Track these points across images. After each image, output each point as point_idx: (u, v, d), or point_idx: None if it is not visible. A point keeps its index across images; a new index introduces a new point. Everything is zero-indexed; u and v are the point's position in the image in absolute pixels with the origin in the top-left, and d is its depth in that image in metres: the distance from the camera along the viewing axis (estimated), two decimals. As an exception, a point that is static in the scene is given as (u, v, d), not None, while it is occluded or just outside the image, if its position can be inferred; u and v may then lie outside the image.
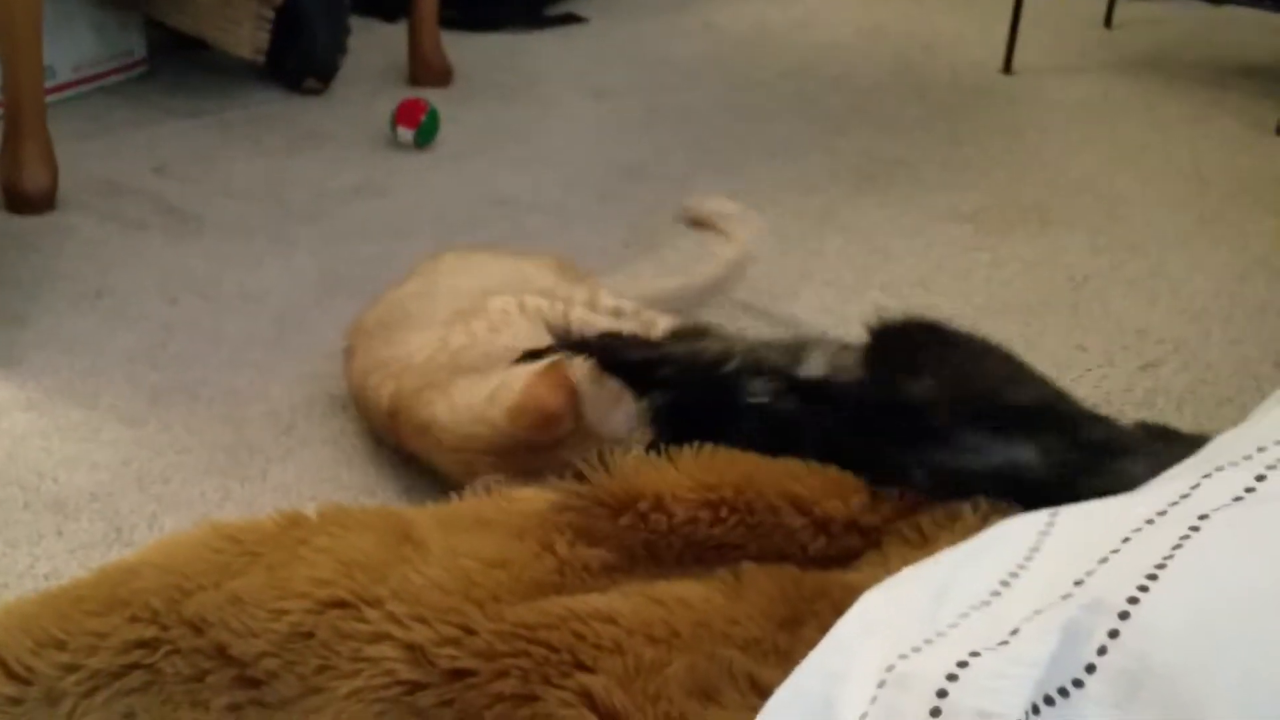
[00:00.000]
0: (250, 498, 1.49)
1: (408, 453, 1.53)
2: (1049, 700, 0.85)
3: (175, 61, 2.96)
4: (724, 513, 1.26)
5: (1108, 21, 3.44)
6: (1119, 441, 1.33)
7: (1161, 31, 3.41)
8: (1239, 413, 1.63)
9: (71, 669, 1.12)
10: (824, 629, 1.05)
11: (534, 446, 1.40)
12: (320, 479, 1.52)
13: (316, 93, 2.80)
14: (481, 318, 1.54)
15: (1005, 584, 1.00)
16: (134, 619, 1.15)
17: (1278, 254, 2.12)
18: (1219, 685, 0.80)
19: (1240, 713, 0.78)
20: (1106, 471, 1.27)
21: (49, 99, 2.25)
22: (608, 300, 1.66)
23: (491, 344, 1.51)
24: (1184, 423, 1.63)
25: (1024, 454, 1.30)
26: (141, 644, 1.14)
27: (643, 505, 1.26)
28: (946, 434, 1.32)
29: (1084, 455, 1.29)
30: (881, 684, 0.94)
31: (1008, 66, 3.05)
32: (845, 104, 2.86)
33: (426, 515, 1.28)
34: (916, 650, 0.95)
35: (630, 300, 1.68)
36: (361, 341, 1.61)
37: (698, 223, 1.90)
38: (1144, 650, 0.84)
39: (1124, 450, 1.30)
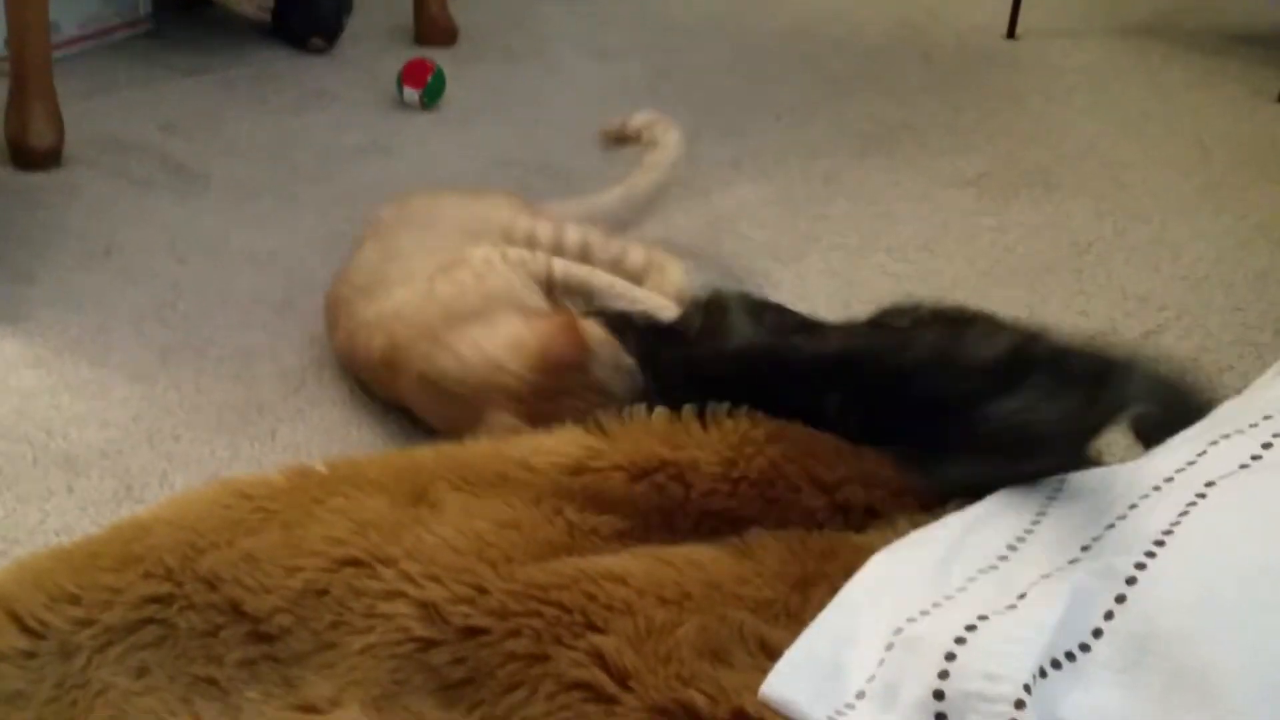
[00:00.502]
0: (259, 456, 1.50)
1: (401, 406, 1.55)
2: (1056, 664, 0.86)
3: (180, 19, 2.95)
4: (744, 487, 1.27)
5: (1112, -14, 3.44)
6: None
7: (1165, -3, 3.41)
8: (1240, 380, 1.65)
9: (86, 623, 1.14)
10: (834, 590, 1.07)
11: (545, 393, 1.42)
12: (330, 439, 1.53)
13: (322, 51, 2.79)
14: (465, 268, 1.55)
15: (1013, 547, 1.02)
16: (148, 575, 1.17)
17: (1277, 221, 2.13)
18: (1225, 652, 0.82)
19: (1246, 679, 0.80)
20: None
21: (54, 55, 2.25)
22: (573, 236, 1.67)
23: (482, 291, 1.52)
24: (1186, 390, 1.64)
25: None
26: (156, 599, 1.15)
27: (659, 477, 1.27)
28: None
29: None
30: (890, 647, 0.96)
31: (1011, 31, 3.05)
32: (849, 67, 2.86)
33: (444, 468, 1.29)
34: (925, 613, 0.97)
35: (591, 230, 1.71)
36: (341, 310, 1.62)
37: (619, 139, 1.92)
38: (1151, 616, 0.85)
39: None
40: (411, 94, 2.50)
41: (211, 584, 1.16)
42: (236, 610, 1.14)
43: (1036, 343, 1.29)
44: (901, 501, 1.27)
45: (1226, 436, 1.02)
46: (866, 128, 2.51)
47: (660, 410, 1.34)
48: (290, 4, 2.80)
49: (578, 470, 1.29)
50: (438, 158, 2.33)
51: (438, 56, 2.61)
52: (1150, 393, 1.21)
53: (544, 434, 1.39)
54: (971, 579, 0.99)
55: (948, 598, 0.99)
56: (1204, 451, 1.01)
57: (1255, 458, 0.98)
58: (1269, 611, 0.83)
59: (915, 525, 1.19)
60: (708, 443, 1.31)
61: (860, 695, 0.95)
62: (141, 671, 1.12)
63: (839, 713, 0.95)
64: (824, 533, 1.22)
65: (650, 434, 1.32)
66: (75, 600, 1.14)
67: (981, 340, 1.28)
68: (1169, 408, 1.20)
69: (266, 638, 1.13)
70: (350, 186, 2.20)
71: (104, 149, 2.30)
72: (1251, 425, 1.03)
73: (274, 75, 2.69)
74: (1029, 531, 1.03)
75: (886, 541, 1.16)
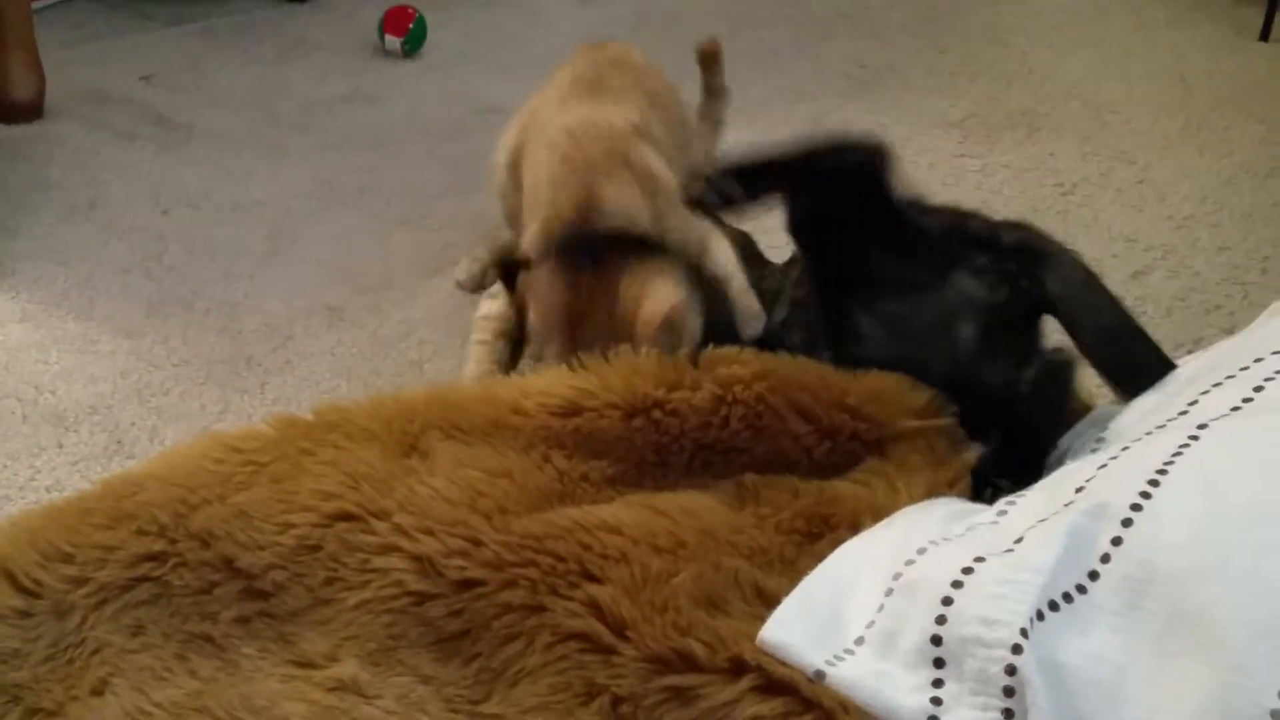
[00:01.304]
0: (249, 410, 1.50)
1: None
2: (1054, 605, 0.87)
3: (157, -32, 2.92)
4: (734, 419, 1.28)
5: (1094, -79, 3.42)
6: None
7: (1147, -69, 3.39)
8: (1227, 320, 1.65)
9: (80, 582, 1.13)
10: (832, 540, 1.07)
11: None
12: (319, 391, 1.53)
13: (302, 0, 2.77)
14: None
15: (1011, 503, 1.02)
16: (141, 532, 1.17)
17: (1262, 160, 2.13)
18: (1222, 591, 0.82)
19: (1244, 618, 0.80)
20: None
21: (34, 6, 2.22)
22: None
23: None
24: (1173, 330, 1.65)
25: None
26: (149, 557, 1.15)
27: (655, 413, 1.27)
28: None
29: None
30: (889, 593, 0.96)
31: (995, -31, 3.03)
32: (831, 8, 2.84)
33: (435, 414, 1.29)
34: (922, 552, 0.97)
35: None
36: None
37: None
38: (1148, 557, 0.86)
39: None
40: (393, 41, 2.48)
41: (205, 541, 1.16)
42: (230, 567, 1.15)
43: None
44: (887, 428, 1.29)
45: (1218, 384, 1.02)
46: (850, 70, 2.49)
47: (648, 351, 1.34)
48: (269, -49, 2.78)
49: (571, 411, 1.29)
50: (421, 105, 2.31)
51: (418, 3, 2.58)
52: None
53: (534, 375, 1.39)
54: (971, 528, 1.00)
55: (946, 539, 0.99)
56: (1195, 401, 1.01)
57: (1247, 400, 0.98)
58: (1266, 552, 0.83)
59: (905, 467, 1.20)
60: (698, 379, 1.31)
61: (859, 641, 0.96)
62: (137, 629, 1.12)
63: (838, 658, 0.95)
64: (820, 481, 1.22)
65: (640, 374, 1.32)
66: (69, 559, 1.14)
67: None
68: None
69: (261, 594, 1.14)
70: (334, 136, 2.18)
71: (85, 100, 2.28)
72: (1242, 369, 1.03)
73: (254, 24, 2.66)
74: (1023, 495, 1.04)
75: (879, 488, 1.17)
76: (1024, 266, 1.33)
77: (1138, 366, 1.22)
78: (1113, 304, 1.29)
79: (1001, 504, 1.03)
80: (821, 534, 1.12)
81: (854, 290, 1.40)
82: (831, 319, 1.41)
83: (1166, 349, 1.57)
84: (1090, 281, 1.31)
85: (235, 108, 2.28)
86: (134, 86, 2.35)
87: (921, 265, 1.38)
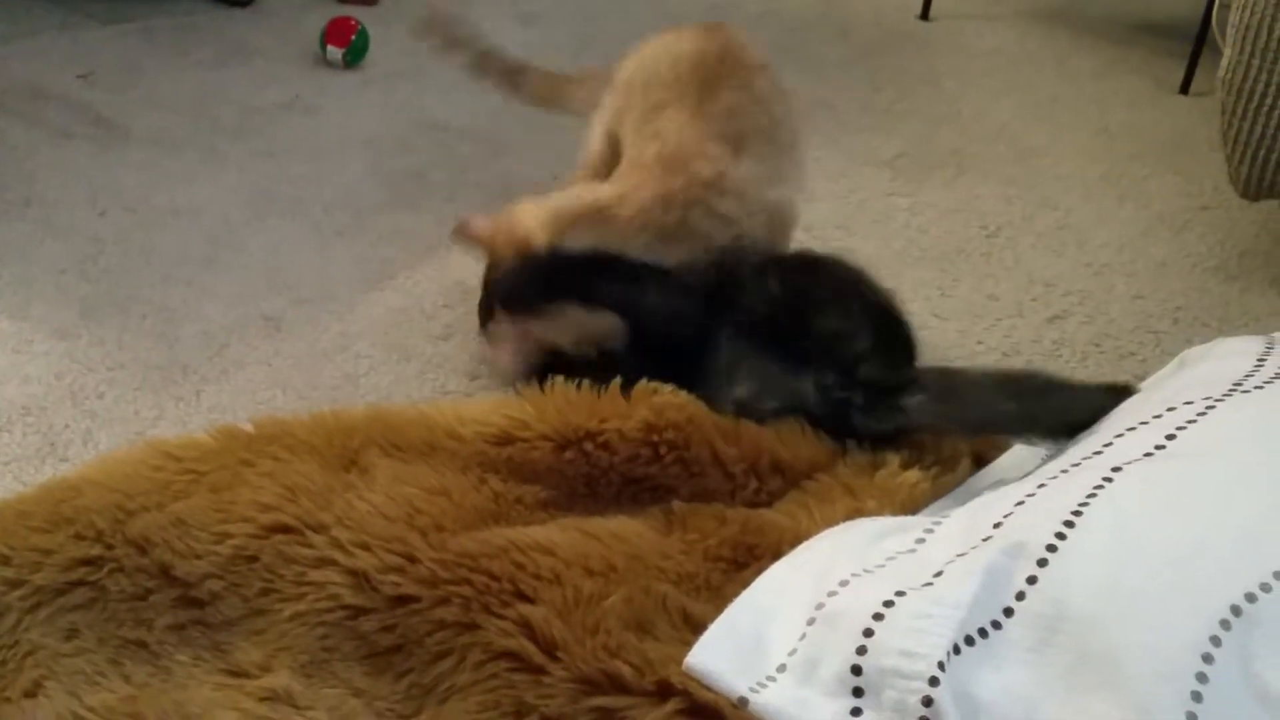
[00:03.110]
0: (185, 417, 1.51)
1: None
2: (970, 640, 0.91)
3: (98, -37, 2.90)
4: (663, 454, 1.31)
5: (1024, -30, 3.50)
6: (896, 380, 1.39)
7: (1074, -18, 3.48)
8: (1140, 366, 1.72)
9: (16, 584, 1.15)
10: (761, 571, 1.11)
11: None
12: (255, 401, 1.54)
13: (244, 5, 2.77)
14: None
15: (929, 530, 1.06)
16: (78, 536, 1.18)
17: (1178, 212, 2.20)
18: (1130, 634, 0.87)
19: (1148, 659, 0.85)
20: (882, 407, 1.35)
21: (-30, -2, 2.22)
22: None
23: None
24: (1088, 375, 1.71)
25: (805, 388, 1.39)
26: (86, 561, 1.17)
27: (587, 445, 1.30)
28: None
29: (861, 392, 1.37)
30: (811, 621, 1.00)
31: (925, 12, 3.09)
32: (770, 41, 2.87)
33: (374, 432, 1.31)
34: (844, 584, 1.01)
35: None
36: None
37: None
38: (1060, 597, 0.91)
39: (900, 388, 1.37)
40: (335, 52, 2.49)
41: (142, 548, 1.17)
42: (167, 574, 1.16)
43: None
44: (805, 462, 1.34)
45: (1132, 429, 1.07)
46: (786, 104, 2.54)
47: (584, 383, 1.38)
48: (212, -45, 2.77)
49: (504, 440, 1.33)
50: (362, 118, 2.32)
51: (361, 15, 2.60)
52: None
53: (469, 403, 1.42)
54: (891, 558, 1.04)
55: (867, 570, 1.03)
56: (1110, 443, 1.06)
57: (1159, 447, 1.03)
58: (1171, 595, 0.88)
59: (822, 497, 1.24)
60: (630, 413, 1.35)
61: (781, 668, 0.99)
62: (71, 633, 1.13)
63: (760, 685, 0.99)
64: (746, 510, 1.26)
65: (574, 406, 1.36)
66: (5, 561, 1.15)
67: None
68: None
69: (197, 603, 1.15)
70: (273, 144, 2.19)
71: (21, 96, 2.27)
72: (1155, 416, 1.08)
73: (194, 27, 2.66)
74: (944, 518, 1.08)
75: (799, 517, 1.22)
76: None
77: None
78: None
79: (920, 531, 1.07)
80: (748, 563, 1.16)
81: None
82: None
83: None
84: None
85: (174, 110, 2.28)
86: (72, 84, 2.34)
87: None
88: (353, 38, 2.49)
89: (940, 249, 2.02)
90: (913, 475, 1.29)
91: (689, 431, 1.33)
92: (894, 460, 1.31)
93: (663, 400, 1.37)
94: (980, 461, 1.34)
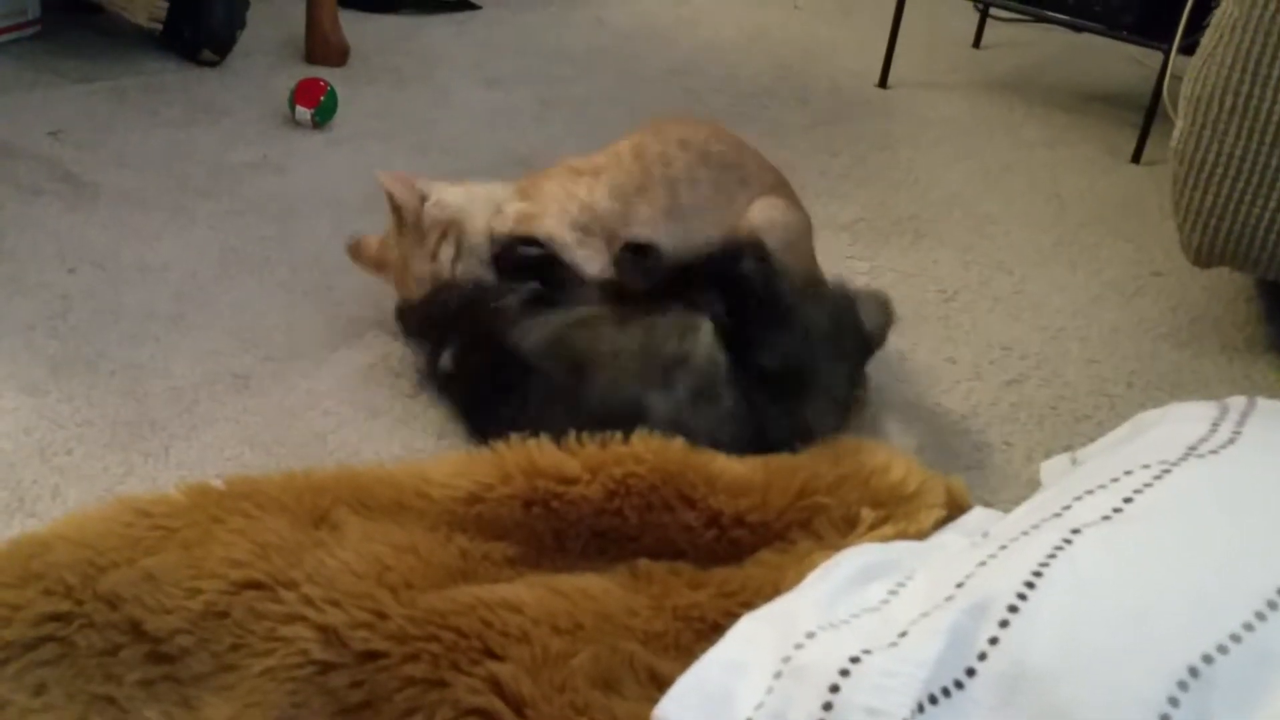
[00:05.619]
0: (153, 474, 1.52)
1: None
2: (934, 699, 0.94)
3: (69, 24, 2.91)
4: (627, 510, 1.34)
5: (977, 42, 3.56)
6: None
7: (1025, 54, 3.54)
8: (1095, 429, 1.75)
9: (-16, 639, 1.15)
10: (723, 628, 1.13)
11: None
12: (224, 458, 1.55)
13: (213, 64, 2.79)
14: None
15: (894, 592, 1.09)
16: (48, 592, 1.19)
17: (1129, 279, 2.25)
18: (1089, 693, 0.89)
19: (1105, 717, 0.87)
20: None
21: (-60, 55, 2.23)
22: None
23: None
24: (1044, 438, 1.74)
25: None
26: (55, 617, 1.18)
27: (555, 503, 1.33)
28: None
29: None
30: (778, 675, 1.02)
31: (884, 80, 3.16)
32: (729, 105, 2.94)
33: (344, 491, 1.33)
34: (811, 636, 1.04)
35: None
36: None
37: None
38: (1021, 658, 0.93)
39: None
40: (304, 112, 2.51)
41: (112, 603, 1.18)
42: (137, 630, 1.17)
43: None
44: (769, 511, 1.37)
45: (1090, 492, 1.10)
46: (746, 167, 2.58)
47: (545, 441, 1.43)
48: (182, 15, 2.79)
49: (472, 501, 1.35)
50: (329, 177, 2.35)
51: (329, 76, 2.63)
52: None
53: (436, 463, 1.44)
54: (856, 615, 1.06)
55: (833, 625, 1.06)
56: (1069, 505, 1.09)
57: (1117, 510, 1.06)
58: (1129, 656, 0.91)
59: (801, 559, 1.27)
60: (594, 468, 1.38)
61: (747, 723, 1.01)
62: (40, 689, 1.14)
63: (726, 740, 1.01)
64: (724, 572, 1.28)
65: (538, 469, 1.38)
66: (-26, 615, 1.16)
67: None
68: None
69: (166, 658, 1.16)
70: (242, 203, 2.21)
71: (-11, 153, 2.29)
72: (1113, 480, 1.11)
73: (164, 86, 2.68)
74: (909, 578, 1.11)
75: (774, 576, 1.24)
76: None
77: None
78: None
79: (884, 593, 1.10)
80: (721, 625, 1.18)
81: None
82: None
83: (1038, 455, 1.68)
84: None
85: (143, 168, 2.30)
86: (41, 141, 2.36)
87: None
88: (321, 98, 2.52)
89: (900, 312, 2.03)
90: (888, 530, 1.32)
91: (655, 485, 1.36)
92: (868, 517, 1.34)
93: (627, 462, 1.40)
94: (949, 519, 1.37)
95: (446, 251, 1.77)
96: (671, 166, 1.83)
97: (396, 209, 1.80)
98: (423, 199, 1.81)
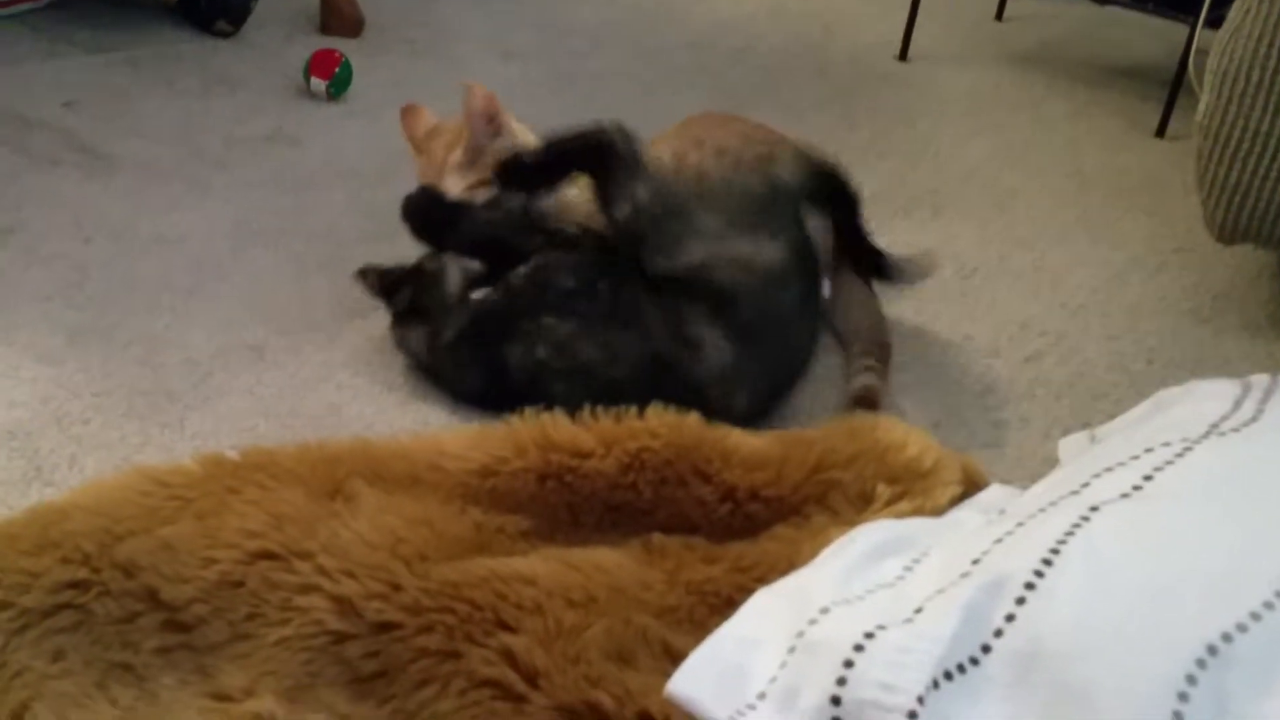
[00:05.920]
0: (169, 444, 1.52)
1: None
2: (948, 675, 0.93)
3: (83, -8, 2.92)
4: (641, 483, 1.34)
5: (999, 14, 3.53)
6: None
7: (1049, 28, 3.51)
8: (1114, 406, 1.74)
9: (3, 606, 1.16)
10: (737, 603, 1.12)
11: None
12: (238, 429, 1.55)
13: (227, 35, 2.78)
14: None
15: (909, 569, 1.08)
16: (66, 560, 1.19)
17: (1151, 254, 2.23)
18: (1105, 672, 0.89)
19: (1123, 699, 0.87)
20: None
21: (-46, 26, 2.23)
22: None
23: None
24: (1063, 414, 1.73)
25: None
26: (73, 584, 1.18)
27: (569, 477, 1.33)
28: None
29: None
30: (792, 650, 1.02)
31: (904, 54, 3.13)
32: (746, 80, 2.93)
33: (358, 463, 1.33)
34: (825, 611, 1.03)
35: None
36: None
37: None
38: (1037, 635, 0.93)
39: None
40: (319, 84, 2.51)
41: (129, 571, 1.19)
42: (153, 598, 1.18)
43: None
44: (784, 485, 1.36)
45: (1109, 469, 1.09)
46: (764, 141, 2.57)
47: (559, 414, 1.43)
48: (197, -14, 2.80)
49: (486, 474, 1.35)
50: (344, 149, 2.34)
51: (344, 47, 2.62)
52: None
53: (450, 435, 1.44)
54: (871, 590, 1.06)
55: (847, 601, 1.05)
56: (1088, 483, 1.08)
57: (1136, 488, 1.05)
58: (1146, 634, 0.90)
59: (817, 534, 1.26)
60: (608, 442, 1.38)
61: (761, 696, 1.01)
62: (58, 655, 1.14)
63: (740, 713, 1.01)
64: (740, 547, 1.28)
65: (553, 443, 1.38)
66: (-8, 583, 1.17)
67: None
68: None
69: (183, 626, 1.17)
70: (257, 175, 2.21)
71: (6, 124, 2.28)
72: (1133, 458, 1.10)
73: (179, 57, 2.68)
74: (925, 555, 1.10)
75: (788, 551, 1.23)
76: None
77: None
78: None
79: (899, 569, 1.09)
80: (735, 600, 1.18)
81: None
82: None
83: (1056, 432, 1.67)
84: None
85: (159, 140, 2.30)
86: (57, 112, 2.36)
87: None
88: (336, 69, 2.51)
89: (917, 288, 2.04)
90: (904, 507, 1.31)
91: (666, 459, 1.36)
92: (884, 493, 1.33)
93: (642, 437, 1.39)
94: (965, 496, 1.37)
95: (483, 195, 1.77)
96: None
97: (469, 132, 1.82)
98: (497, 132, 1.84)
